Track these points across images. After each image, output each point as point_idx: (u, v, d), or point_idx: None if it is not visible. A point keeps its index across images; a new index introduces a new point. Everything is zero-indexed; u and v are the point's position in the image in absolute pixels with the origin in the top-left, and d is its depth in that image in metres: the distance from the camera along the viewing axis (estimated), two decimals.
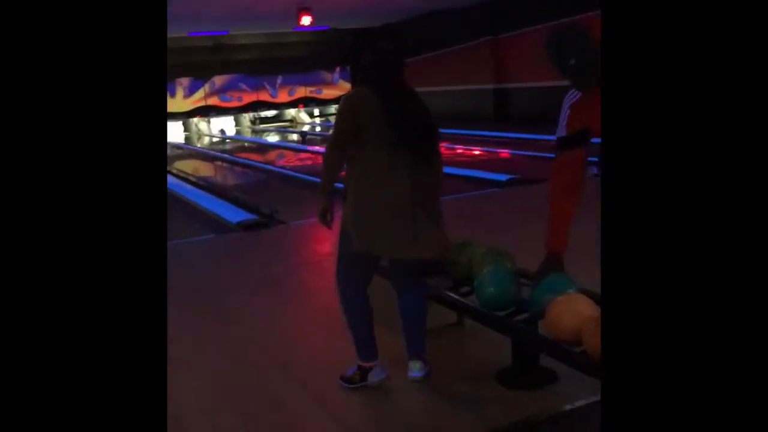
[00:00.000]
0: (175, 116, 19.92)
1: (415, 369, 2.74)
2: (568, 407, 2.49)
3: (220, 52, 18.90)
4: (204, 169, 13.06)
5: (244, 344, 3.34)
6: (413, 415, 2.61)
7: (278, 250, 5.42)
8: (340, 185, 2.70)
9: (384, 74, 2.61)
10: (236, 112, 20.75)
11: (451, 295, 2.93)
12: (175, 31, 16.59)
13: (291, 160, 13.72)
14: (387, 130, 2.50)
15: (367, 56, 2.67)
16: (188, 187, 9.82)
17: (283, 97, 21.12)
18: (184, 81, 19.81)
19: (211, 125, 20.79)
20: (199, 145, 17.72)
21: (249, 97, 20.61)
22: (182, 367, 3.12)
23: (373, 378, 2.73)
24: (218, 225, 6.76)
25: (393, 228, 2.54)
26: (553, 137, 2.64)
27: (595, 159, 2.07)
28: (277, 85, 21.00)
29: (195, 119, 20.29)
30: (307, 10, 12.60)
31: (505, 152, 10.90)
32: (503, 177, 7.92)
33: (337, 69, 21.73)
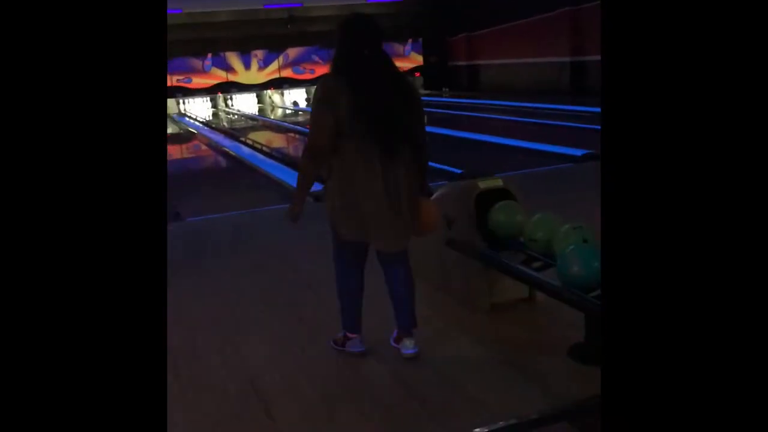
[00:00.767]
0: (250, 88, 20.29)
1: (409, 346, 2.77)
2: None
3: (294, 25, 19.05)
4: (277, 141, 13.27)
5: (317, 309, 3.40)
6: (481, 389, 2.59)
7: None
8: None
9: (355, 64, 2.52)
10: (309, 84, 20.95)
11: (524, 269, 2.87)
12: (251, 3, 16.86)
13: None
14: (356, 123, 2.46)
15: (341, 45, 2.56)
16: (261, 157, 10.01)
17: None
18: (259, 53, 20.11)
19: (284, 97, 21.08)
20: (272, 117, 18.00)
21: (321, 70, 20.76)
22: (256, 331, 3.21)
23: (350, 347, 2.83)
24: (290, 194, 6.86)
25: (369, 220, 2.58)
26: None
27: None
28: None
29: (269, 91, 20.60)
30: None
31: (580, 126, 10.59)
32: (578, 152, 7.69)
33: (410, 41, 21.55)
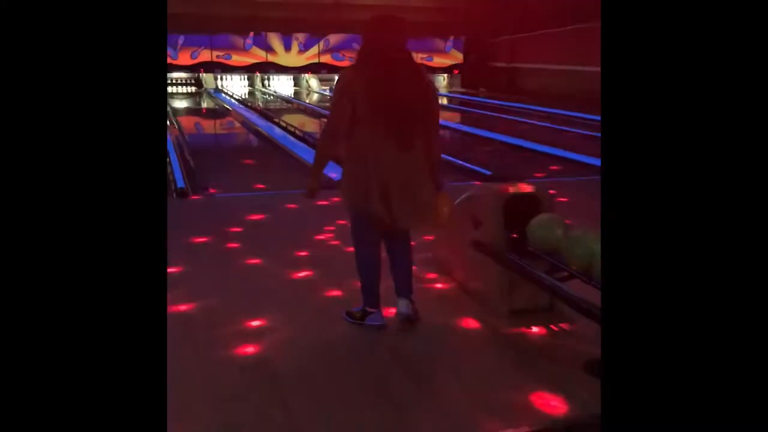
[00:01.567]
0: (288, 70, 20.35)
1: (404, 306, 2.98)
2: None
3: (338, 11, 19.05)
4: (310, 125, 13.31)
5: (337, 290, 3.41)
6: (492, 389, 2.58)
7: None
8: None
9: (374, 59, 2.72)
10: None
11: (546, 277, 2.85)
12: None
13: None
14: (370, 113, 2.66)
15: (366, 41, 2.79)
16: (293, 140, 10.04)
17: None
18: (301, 36, 20.15)
19: (321, 82, 21.13)
20: (307, 101, 18.06)
21: None
22: (274, 309, 3.24)
23: (370, 321, 2.98)
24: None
25: (378, 199, 2.75)
26: None
27: None
28: None
29: (306, 75, 20.65)
30: None
31: None
32: None
33: (451, 38, 21.44)
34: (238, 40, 19.64)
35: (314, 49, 20.42)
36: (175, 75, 19.31)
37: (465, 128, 12.29)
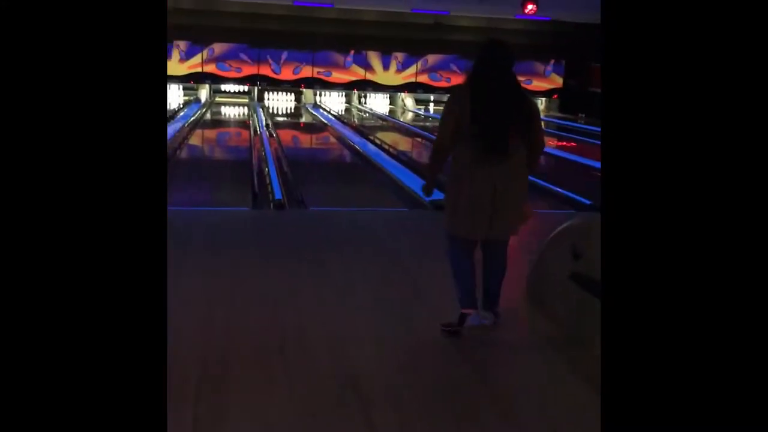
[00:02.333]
0: (385, 88, 20.60)
1: (489, 318, 3.13)
2: None
3: (437, 31, 19.13)
4: (403, 143, 13.39)
5: (423, 312, 3.37)
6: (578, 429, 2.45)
7: None
8: None
9: (481, 80, 2.99)
10: (443, 92, 20.98)
11: None
12: (399, 6, 17.12)
13: None
14: (472, 128, 2.90)
15: (476, 63, 3.04)
16: (386, 157, 10.12)
17: None
18: (399, 56, 20.36)
19: (416, 102, 21.24)
20: (401, 120, 18.20)
21: (457, 79, 20.70)
22: (362, 326, 3.23)
23: (470, 322, 3.11)
24: (411, 200, 6.88)
25: (478, 213, 2.98)
26: None
27: None
28: None
29: (402, 94, 20.83)
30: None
31: None
32: None
33: (552, 61, 21.05)
34: (339, 58, 20.09)
35: (412, 69, 20.57)
36: (277, 91, 19.97)
37: (562, 154, 11.98)
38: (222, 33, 18.56)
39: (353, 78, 20.27)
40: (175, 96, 18.51)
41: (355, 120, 17.45)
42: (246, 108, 18.00)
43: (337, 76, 20.17)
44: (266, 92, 19.88)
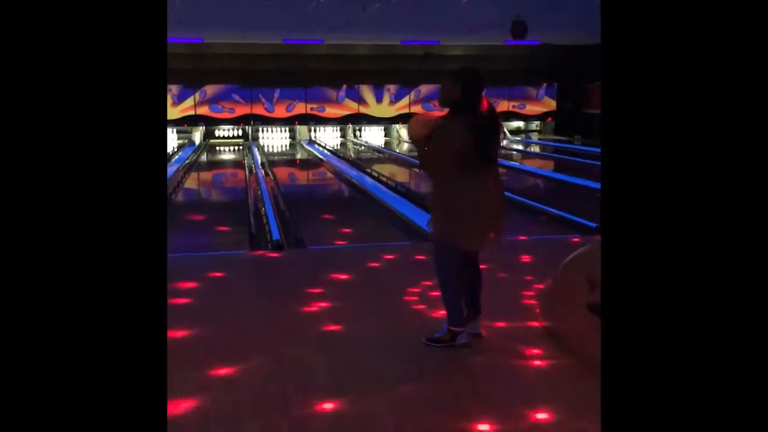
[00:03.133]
0: (380, 121, 20.63)
1: (477, 326, 3.41)
2: None
3: (429, 62, 19.22)
4: (400, 175, 13.29)
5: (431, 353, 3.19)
6: None
7: None
8: None
9: (472, 108, 3.22)
10: None
11: None
12: (389, 39, 17.21)
13: None
14: (471, 154, 3.13)
15: (456, 91, 3.24)
16: (384, 189, 9.99)
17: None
18: (392, 88, 20.44)
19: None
20: (398, 151, 18.16)
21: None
22: (365, 369, 3.04)
23: (462, 340, 3.29)
24: (412, 231, 6.72)
25: (478, 226, 3.24)
26: None
27: None
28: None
29: (397, 125, 20.86)
30: (522, 25, 12.32)
31: None
32: None
33: (544, 85, 21.14)
34: (332, 93, 20.15)
35: (405, 100, 20.63)
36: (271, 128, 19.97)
37: (561, 177, 11.87)
38: (214, 75, 18.63)
39: (347, 112, 20.31)
40: (168, 139, 18.48)
41: (351, 154, 17.41)
42: (240, 147, 17.97)
43: (331, 111, 20.21)
44: (260, 131, 19.89)
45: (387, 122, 20.83)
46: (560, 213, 7.33)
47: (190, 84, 18.62)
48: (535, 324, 3.59)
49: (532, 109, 21.33)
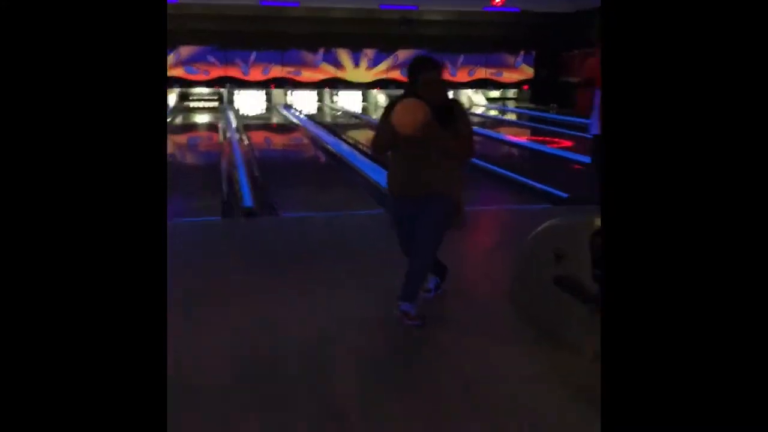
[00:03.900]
0: (357, 86, 20.44)
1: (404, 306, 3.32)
2: None
3: (407, 27, 19.01)
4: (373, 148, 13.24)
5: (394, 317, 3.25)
6: None
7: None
8: None
9: (414, 79, 3.24)
10: None
11: None
12: (367, 3, 16.97)
13: None
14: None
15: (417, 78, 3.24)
16: (360, 156, 9.97)
17: (462, 76, 20.89)
18: (369, 53, 20.21)
19: (389, 98, 21.10)
20: (374, 117, 18.06)
21: None
22: (339, 342, 3.09)
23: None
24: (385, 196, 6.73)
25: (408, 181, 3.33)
26: None
27: None
28: (458, 64, 20.79)
29: (374, 91, 20.69)
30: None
31: None
32: None
33: (522, 53, 21.06)
34: (309, 57, 19.87)
35: (383, 65, 20.44)
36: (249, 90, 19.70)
37: (536, 146, 11.94)
38: (188, 36, 18.23)
39: (324, 76, 20.08)
40: None
41: (328, 119, 17.28)
42: (215, 111, 17.71)
43: (308, 75, 19.96)
44: (236, 93, 19.61)
45: (365, 87, 20.65)
46: (532, 183, 7.40)
47: None
48: (500, 295, 3.66)
49: (509, 76, 21.28)
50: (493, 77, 21.20)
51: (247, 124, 15.33)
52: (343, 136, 12.50)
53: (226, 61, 19.00)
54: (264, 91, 19.89)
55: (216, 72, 18.97)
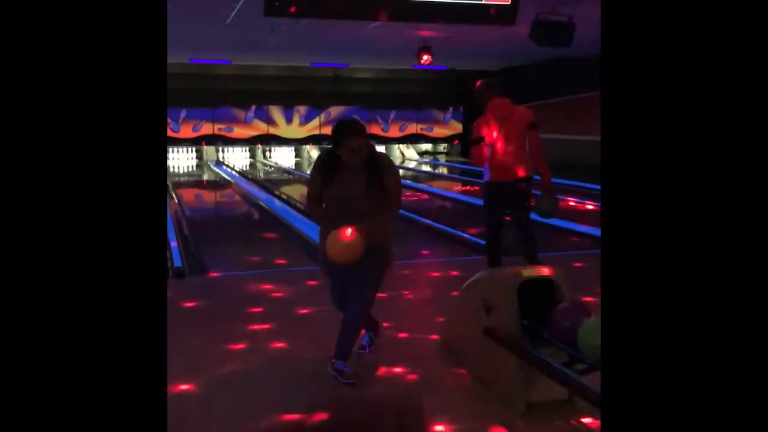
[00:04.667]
0: (289, 142, 20.52)
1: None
2: None
3: (338, 84, 19.35)
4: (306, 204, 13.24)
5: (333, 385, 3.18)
6: None
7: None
8: None
9: (337, 144, 3.26)
10: None
11: (565, 370, 2.64)
12: (299, 61, 17.20)
13: None
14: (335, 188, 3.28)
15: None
16: (294, 213, 9.93)
17: (394, 132, 21.32)
18: (302, 109, 20.42)
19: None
20: (308, 172, 18.10)
21: None
22: (266, 404, 3.00)
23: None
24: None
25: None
26: None
27: None
28: (390, 120, 21.23)
29: (307, 146, 20.82)
30: (428, 50, 12.64)
31: None
32: None
33: (450, 109, 21.73)
34: (240, 113, 19.88)
35: (315, 121, 20.65)
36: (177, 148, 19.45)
37: (467, 199, 12.21)
38: None
39: (256, 133, 20.08)
40: None
41: (261, 175, 17.20)
42: None
43: (239, 131, 19.92)
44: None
45: (297, 143, 20.75)
46: (463, 235, 7.52)
47: None
48: (433, 348, 3.65)
49: (439, 131, 21.86)
50: (425, 132, 21.72)
51: (178, 182, 15.08)
52: (276, 192, 12.44)
53: None
54: (194, 149, 19.69)
55: None
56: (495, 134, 4.72)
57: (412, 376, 3.38)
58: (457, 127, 21.88)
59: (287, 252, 7.35)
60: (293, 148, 20.99)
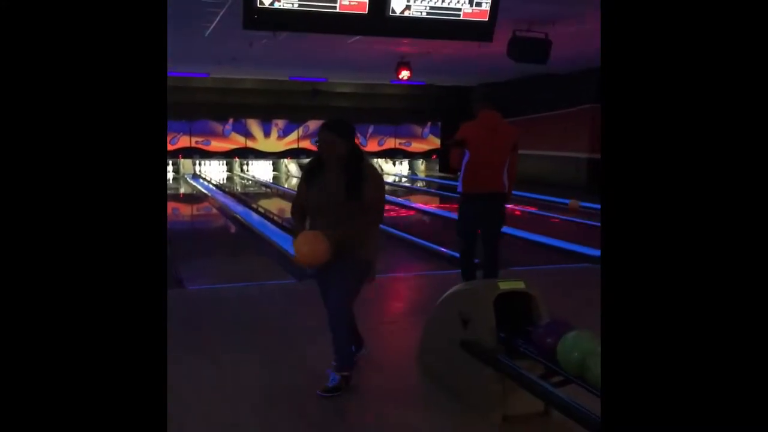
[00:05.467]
0: (267, 155, 20.47)
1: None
2: None
3: (316, 98, 19.38)
4: (289, 211, 13.21)
5: (313, 395, 3.16)
6: None
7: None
8: None
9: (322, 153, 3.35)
10: None
11: (540, 382, 2.65)
12: (277, 74, 17.20)
13: None
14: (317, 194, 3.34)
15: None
16: (271, 226, 9.89)
17: (372, 146, 21.37)
18: (280, 123, 20.40)
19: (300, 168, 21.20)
20: (286, 186, 18.06)
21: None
22: (251, 420, 2.96)
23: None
24: (299, 271, 6.67)
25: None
26: None
27: None
28: (368, 134, 21.29)
29: (285, 160, 20.78)
30: (406, 65, 12.72)
31: (597, 225, 10.44)
32: (596, 252, 7.51)
33: (429, 124, 21.86)
34: (218, 126, 19.80)
35: (293, 135, 20.64)
36: None
37: (445, 213, 12.26)
38: None
39: (233, 146, 20.01)
40: None
41: (238, 188, 17.11)
42: None
43: (217, 144, 19.83)
44: None
45: (275, 157, 20.71)
46: (442, 249, 7.55)
47: None
48: (410, 361, 3.65)
49: (417, 146, 21.97)
50: (403, 147, 21.81)
51: None
52: (254, 206, 12.38)
53: None
54: (171, 162, 19.56)
55: None
56: (478, 144, 4.74)
57: (388, 389, 3.36)
58: (435, 142, 22.01)
59: (264, 266, 7.31)
60: (271, 162, 20.93)
